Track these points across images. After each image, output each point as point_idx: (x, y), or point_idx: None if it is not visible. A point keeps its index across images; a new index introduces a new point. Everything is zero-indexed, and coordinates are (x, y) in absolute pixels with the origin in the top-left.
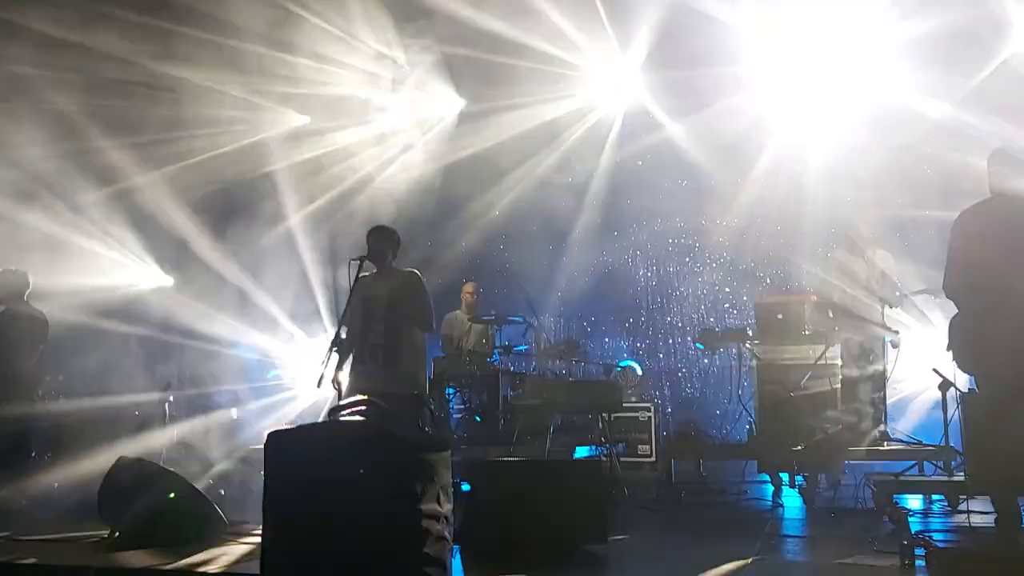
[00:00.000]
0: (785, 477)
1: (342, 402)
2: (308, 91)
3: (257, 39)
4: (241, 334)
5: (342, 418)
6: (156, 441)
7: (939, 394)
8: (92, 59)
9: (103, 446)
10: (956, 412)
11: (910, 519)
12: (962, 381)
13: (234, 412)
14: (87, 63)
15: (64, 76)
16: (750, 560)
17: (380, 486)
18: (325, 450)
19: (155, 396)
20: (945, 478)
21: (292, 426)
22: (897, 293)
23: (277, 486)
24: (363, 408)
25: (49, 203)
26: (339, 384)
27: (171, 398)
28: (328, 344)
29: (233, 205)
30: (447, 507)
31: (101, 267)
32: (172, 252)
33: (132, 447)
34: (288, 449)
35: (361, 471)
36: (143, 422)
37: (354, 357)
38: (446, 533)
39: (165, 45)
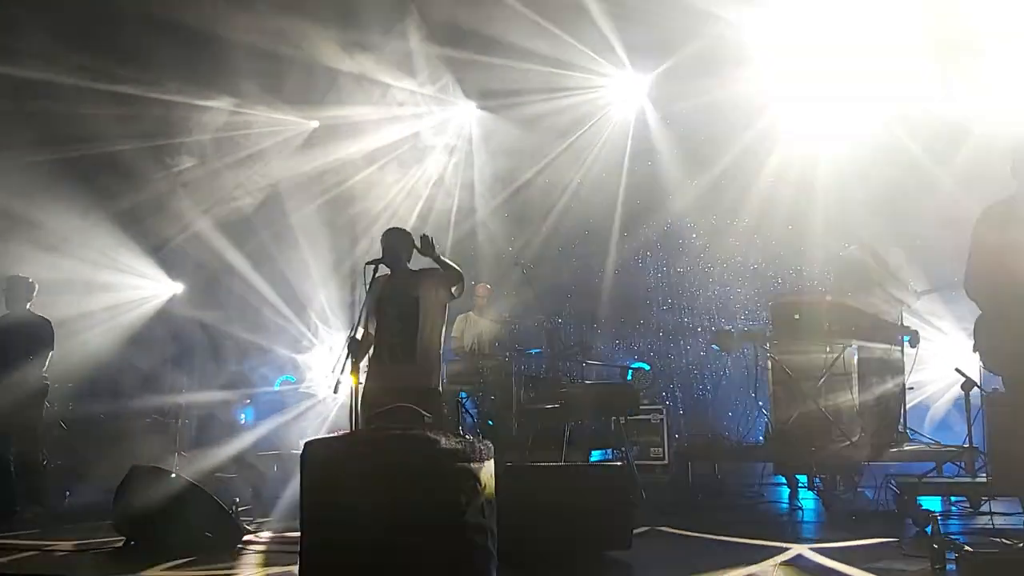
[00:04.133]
0: (802, 479)
1: (381, 410)
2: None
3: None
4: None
5: (383, 426)
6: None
7: (957, 395)
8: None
9: (117, 453)
10: (979, 412)
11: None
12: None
13: (241, 418)
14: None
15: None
16: (775, 564)
17: (423, 497)
18: (367, 460)
19: (168, 402)
20: (968, 479)
21: (330, 435)
22: (911, 291)
23: (316, 497)
24: (404, 416)
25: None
26: (357, 383)
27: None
28: (343, 347)
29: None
30: (492, 520)
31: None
32: (190, 263)
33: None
34: (327, 459)
35: (404, 481)
36: (157, 428)
37: (371, 357)
38: (491, 546)
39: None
